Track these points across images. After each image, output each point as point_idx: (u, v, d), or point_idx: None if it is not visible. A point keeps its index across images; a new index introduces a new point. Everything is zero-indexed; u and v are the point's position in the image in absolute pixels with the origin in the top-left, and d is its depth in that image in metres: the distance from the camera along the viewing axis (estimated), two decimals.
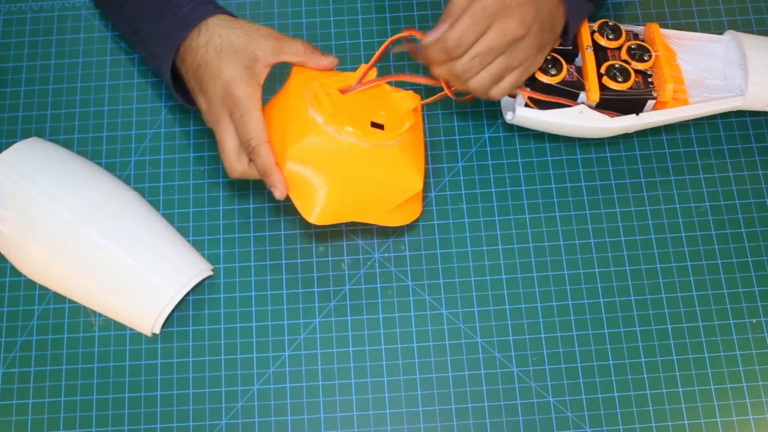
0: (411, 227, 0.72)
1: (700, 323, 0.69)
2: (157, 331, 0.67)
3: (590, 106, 0.68)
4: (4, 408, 0.68)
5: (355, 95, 0.65)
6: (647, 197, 0.73)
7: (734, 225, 0.72)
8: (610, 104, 0.68)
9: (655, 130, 0.74)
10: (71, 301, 0.70)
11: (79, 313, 0.70)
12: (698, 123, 0.75)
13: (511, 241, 0.71)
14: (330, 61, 0.66)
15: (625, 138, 0.74)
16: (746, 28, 0.79)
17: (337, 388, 0.67)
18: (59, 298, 0.70)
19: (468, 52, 0.60)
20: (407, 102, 0.65)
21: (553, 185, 0.73)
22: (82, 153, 0.74)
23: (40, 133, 0.76)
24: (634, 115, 0.69)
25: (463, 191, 0.73)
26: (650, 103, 0.69)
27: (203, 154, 0.74)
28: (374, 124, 0.63)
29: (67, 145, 0.75)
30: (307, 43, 0.65)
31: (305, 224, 0.72)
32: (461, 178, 0.73)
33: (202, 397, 0.67)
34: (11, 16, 0.80)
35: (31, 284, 0.71)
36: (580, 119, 0.68)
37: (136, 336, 0.69)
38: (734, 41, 0.72)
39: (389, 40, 0.64)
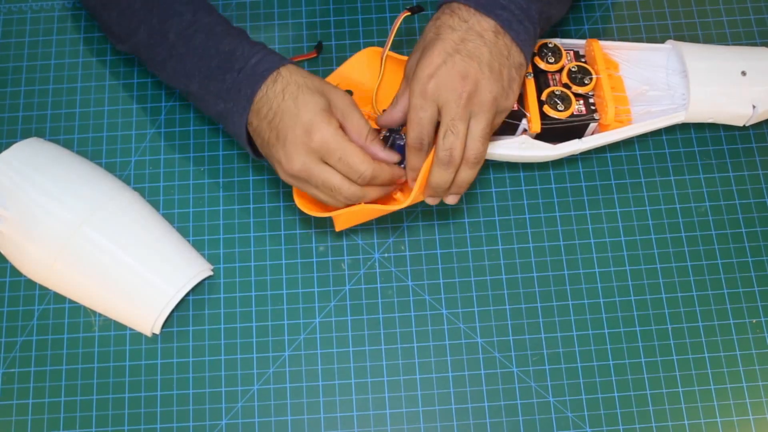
0: (411, 227, 0.72)
1: (700, 323, 0.68)
2: (157, 331, 0.67)
3: (531, 135, 0.68)
4: (4, 408, 0.67)
5: None
6: (647, 197, 0.73)
7: (734, 225, 0.72)
8: (552, 132, 0.68)
9: (655, 131, 0.74)
10: (71, 301, 0.70)
11: (79, 313, 0.70)
12: (698, 122, 0.75)
13: (511, 241, 0.71)
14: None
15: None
16: (692, 38, 0.78)
17: (337, 388, 0.67)
18: (59, 298, 0.70)
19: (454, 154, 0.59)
20: None
21: (553, 185, 0.73)
22: (82, 153, 0.74)
23: (40, 133, 0.76)
24: (577, 140, 0.69)
25: None
26: (593, 125, 0.69)
27: (203, 154, 0.74)
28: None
29: (67, 145, 0.75)
30: (370, 127, 0.62)
31: (305, 224, 0.72)
32: None
33: (202, 397, 0.67)
34: (11, 16, 0.80)
35: (31, 284, 0.71)
36: (522, 149, 0.68)
37: (136, 336, 0.69)
38: (675, 50, 0.72)
39: (400, 16, 0.64)
